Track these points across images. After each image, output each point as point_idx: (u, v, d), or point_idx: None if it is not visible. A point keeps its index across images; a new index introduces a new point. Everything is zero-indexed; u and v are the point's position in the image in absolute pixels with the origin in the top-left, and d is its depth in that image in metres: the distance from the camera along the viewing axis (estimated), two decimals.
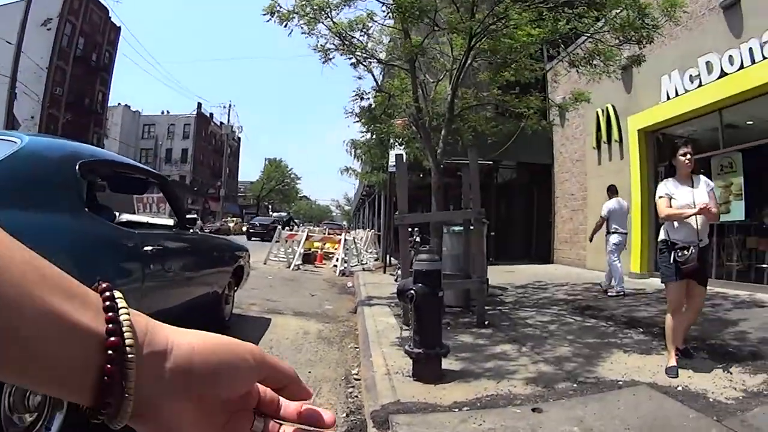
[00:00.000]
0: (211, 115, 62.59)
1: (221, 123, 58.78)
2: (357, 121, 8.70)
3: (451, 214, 7.07)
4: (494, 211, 15.35)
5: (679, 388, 3.75)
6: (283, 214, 61.05)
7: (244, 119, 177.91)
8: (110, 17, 41.19)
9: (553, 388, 3.78)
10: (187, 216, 4.91)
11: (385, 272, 13.04)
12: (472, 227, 6.59)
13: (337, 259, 14.72)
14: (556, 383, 3.90)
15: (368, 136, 12.86)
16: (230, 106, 58.03)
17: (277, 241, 15.82)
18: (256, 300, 8.36)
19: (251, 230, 35.21)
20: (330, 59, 7.89)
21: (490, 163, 14.51)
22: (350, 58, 7.31)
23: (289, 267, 14.38)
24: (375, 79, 7.96)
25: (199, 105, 60.66)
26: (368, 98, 8.13)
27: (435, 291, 3.92)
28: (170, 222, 4.95)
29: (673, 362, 4.14)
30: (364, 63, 7.43)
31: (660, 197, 4.34)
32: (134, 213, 5.34)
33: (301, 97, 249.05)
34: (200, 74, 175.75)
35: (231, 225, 48.29)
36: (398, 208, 6.47)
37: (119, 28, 42.49)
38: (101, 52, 40.62)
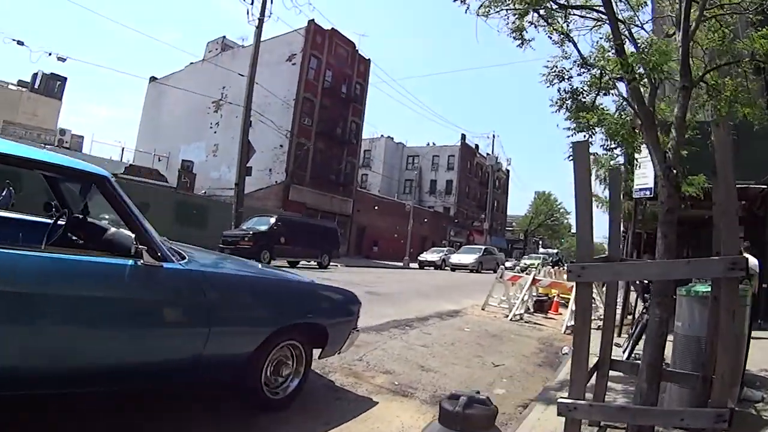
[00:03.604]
0: (477, 146, 62.24)
1: (487, 154, 57.77)
2: (564, 116, 5.86)
3: (677, 265, 3.67)
4: None
5: None
6: (553, 251, 57.21)
7: (513, 150, 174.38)
8: (357, 50, 43.25)
9: None
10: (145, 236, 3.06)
11: (620, 334, 9.44)
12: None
13: (572, 311, 11.50)
14: None
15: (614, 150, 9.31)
16: (494, 136, 56.88)
17: (500, 282, 13.21)
18: (401, 366, 6.07)
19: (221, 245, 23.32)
20: (526, 41, 5.46)
21: (765, 187, 9.82)
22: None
23: (506, 317, 11.71)
24: (576, 47, 5.11)
25: (463, 136, 60.69)
26: (569, 75, 5.31)
27: None
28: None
29: None
30: (540, 14, 4.74)
31: None
32: None
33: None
34: (461, 106, 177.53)
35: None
36: (578, 247, 3.53)
37: (368, 60, 44.27)
38: (351, 84, 42.74)
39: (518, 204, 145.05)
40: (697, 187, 6.20)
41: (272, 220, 22.29)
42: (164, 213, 24.28)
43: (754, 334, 6.69)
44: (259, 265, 5.37)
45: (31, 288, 2.67)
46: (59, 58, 24.92)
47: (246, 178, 24.58)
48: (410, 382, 5.45)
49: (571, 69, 5.31)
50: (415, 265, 35.39)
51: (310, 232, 23.69)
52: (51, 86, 43.08)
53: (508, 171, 68.24)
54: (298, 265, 22.20)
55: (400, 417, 4.33)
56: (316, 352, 4.50)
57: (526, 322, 11.45)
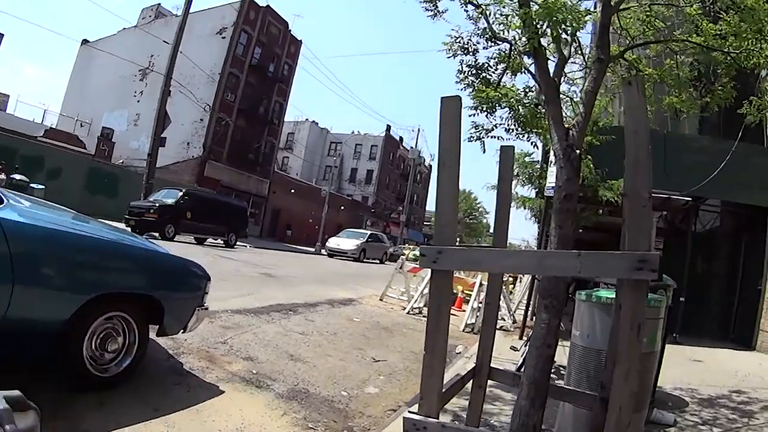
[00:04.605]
0: (401, 138, 62.61)
1: (411, 147, 57.99)
2: (470, 94, 5.42)
3: (562, 257, 2.93)
4: (689, 269, 10.39)
5: None
6: None
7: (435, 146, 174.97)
8: (290, 30, 42.51)
9: None
10: None
11: (522, 336, 9.25)
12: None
13: (473, 309, 11.18)
14: None
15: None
16: (419, 130, 57.31)
17: (399, 273, 12.79)
18: (268, 353, 5.53)
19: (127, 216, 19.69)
20: (440, 12, 4.98)
21: (689, 200, 9.86)
22: None
23: (404, 309, 11.36)
24: (487, 20, 4.71)
25: (388, 127, 60.80)
26: (475, 48, 4.90)
27: None
28: None
29: None
30: None
31: None
32: None
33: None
34: (390, 98, 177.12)
35: (406, 252, 46.19)
36: (436, 227, 2.98)
37: (300, 41, 43.48)
38: (280, 64, 41.81)
39: None
40: (615, 192, 5.91)
41: (180, 194, 21.04)
42: (76, 179, 24.46)
43: (669, 349, 6.14)
44: (145, 239, 4.73)
45: None
46: None
47: (162, 150, 23.56)
48: (271, 372, 4.92)
49: (478, 43, 4.91)
50: None
51: (218, 210, 22.54)
52: None
53: (430, 166, 68.67)
54: (205, 243, 21.27)
55: (243, 411, 3.80)
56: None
57: (424, 316, 11.03)
